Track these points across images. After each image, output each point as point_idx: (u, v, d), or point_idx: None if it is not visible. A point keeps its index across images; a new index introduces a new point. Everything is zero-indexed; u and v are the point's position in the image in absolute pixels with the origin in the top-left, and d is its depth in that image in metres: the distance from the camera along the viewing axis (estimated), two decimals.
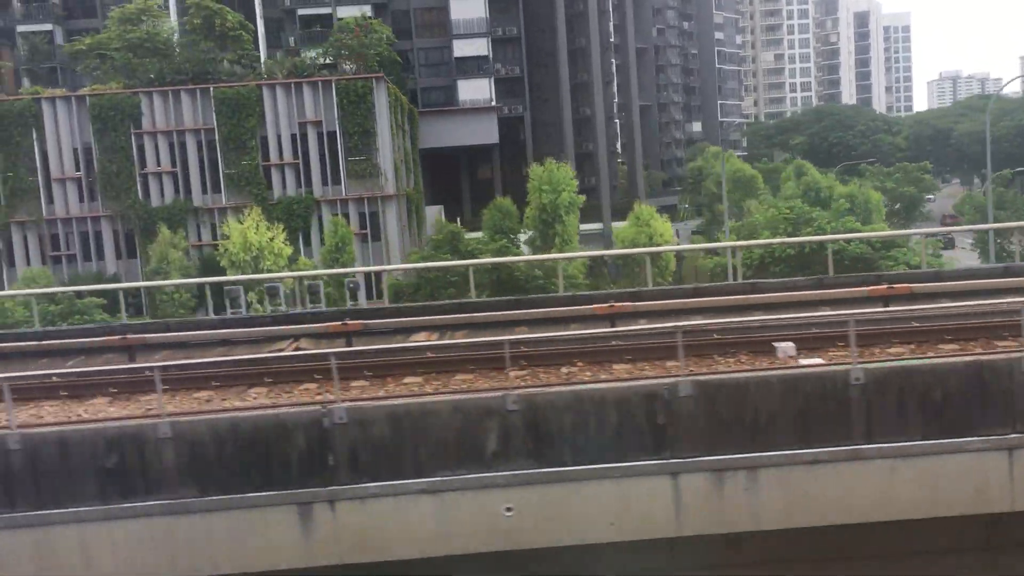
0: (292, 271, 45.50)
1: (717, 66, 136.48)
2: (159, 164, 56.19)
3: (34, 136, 55.46)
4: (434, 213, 70.37)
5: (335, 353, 13.44)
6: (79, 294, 41.34)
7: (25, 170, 55.66)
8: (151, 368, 13.39)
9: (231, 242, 49.64)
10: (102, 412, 13.94)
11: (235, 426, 12.42)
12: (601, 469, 12.39)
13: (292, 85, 56.06)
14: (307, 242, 56.34)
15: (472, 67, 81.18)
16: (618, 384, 13.16)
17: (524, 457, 12.40)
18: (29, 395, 14.67)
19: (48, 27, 77.89)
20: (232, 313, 22.72)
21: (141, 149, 55.98)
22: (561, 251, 47.85)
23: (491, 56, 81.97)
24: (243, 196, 56.28)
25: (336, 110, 56.06)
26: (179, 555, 12.27)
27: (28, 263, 56.09)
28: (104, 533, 12.25)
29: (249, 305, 45.29)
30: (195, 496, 12.21)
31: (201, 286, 39.44)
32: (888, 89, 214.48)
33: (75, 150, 55.90)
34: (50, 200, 56.21)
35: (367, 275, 48.39)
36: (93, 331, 19.36)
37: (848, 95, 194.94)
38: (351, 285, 29.05)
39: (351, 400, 13.03)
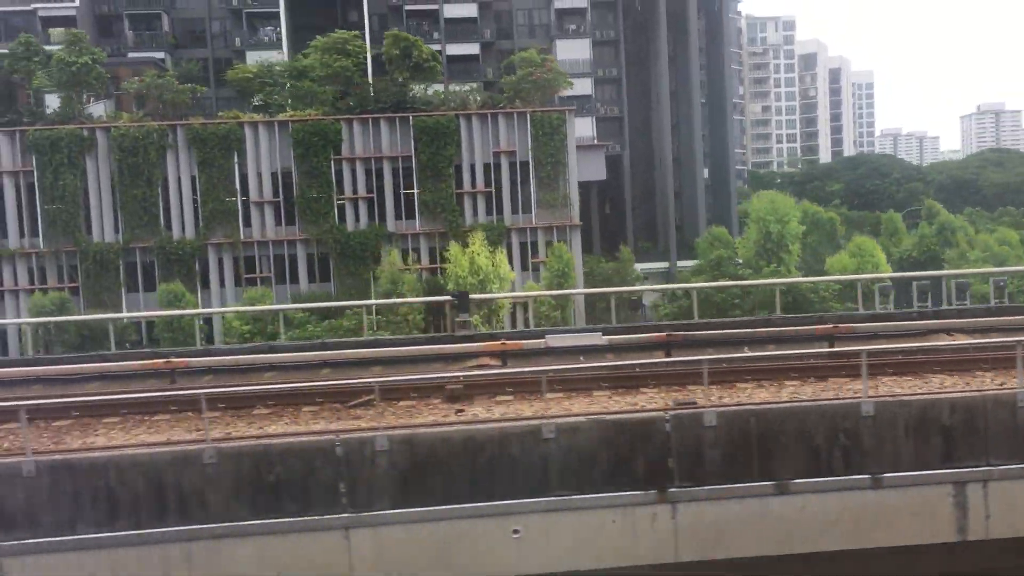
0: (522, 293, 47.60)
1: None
2: (355, 190, 57.55)
3: (235, 159, 56.43)
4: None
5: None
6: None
7: (224, 192, 56.51)
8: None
9: (458, 265, 51.33)
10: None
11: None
12: None
13: (488, 116, 58.15)
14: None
15: (577, 106, 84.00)
16: None
17: None
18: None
19: (160, 55, 78.56)
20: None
21: (339, 175, 57.31)
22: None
23: (593, 95, 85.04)
24: (436, 223, 57.93)
25: (530, 140, 58.26)
26: None
27: (222, 284, 56.88)
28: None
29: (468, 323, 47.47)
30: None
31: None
32: (856, 143, 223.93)
33: (273, 174, 56.98)
34: (247, 223, 57.07)
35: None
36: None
37: (824, 148, 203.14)
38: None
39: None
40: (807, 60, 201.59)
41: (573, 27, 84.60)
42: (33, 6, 77.06)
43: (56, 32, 76.25)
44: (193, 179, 56.47)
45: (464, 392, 17.24)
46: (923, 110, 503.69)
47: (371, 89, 59.03)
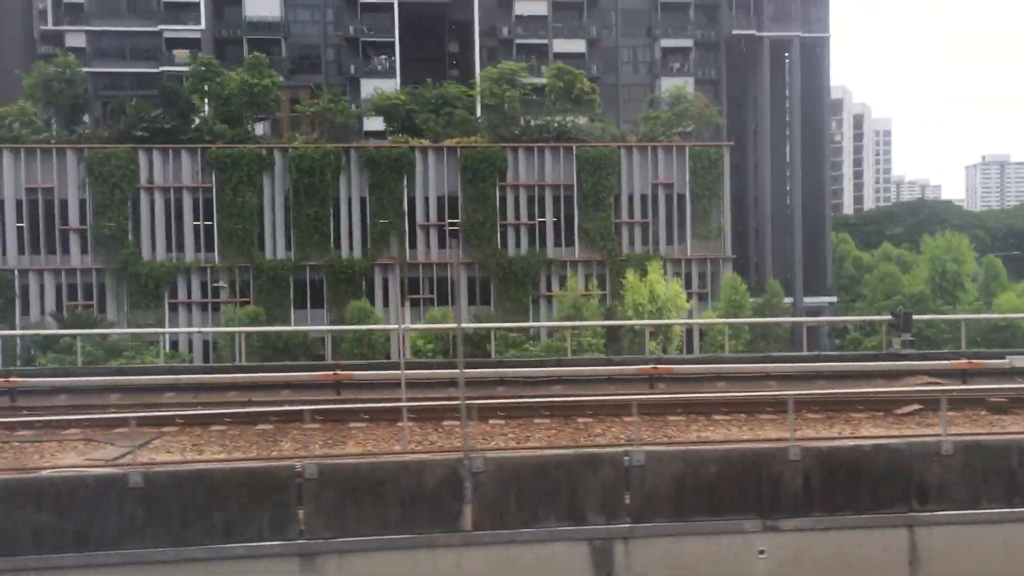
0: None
1: None
2: (517, 216, 59.06)
3: (404, 183, 57.86)
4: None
5: None
6: None
7: (393, 215, 57.84)
8: None
9: (638, 293, 52.80)
10: None
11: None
12: None
13: (648, 148, 59.96)
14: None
15: None
16: None
17: None
18: None
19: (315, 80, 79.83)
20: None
21: (504, 201, 58.82)
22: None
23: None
24: (594, 251, 59.47)
25: (688, 174, 60.06)
26: None
27: (386, 304, 57.97)
28: None
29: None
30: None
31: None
32: (875, 190, 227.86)
33: (439, 198, 58.42)
34: (412, 245, 58.40)
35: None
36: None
37: (847, 192, 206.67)
38: None
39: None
40: (835, 106, 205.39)
41: (677, 65, 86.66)
42: (160, 27, 78.30)
43: (180, 53, 77.77)
44: (363, 200, 57.79)
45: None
46: (925, 159, 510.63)
47: (528, 119, 60.54)
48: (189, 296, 56.63)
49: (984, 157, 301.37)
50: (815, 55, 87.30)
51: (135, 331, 47.06)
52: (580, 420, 18.92)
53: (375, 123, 68.00)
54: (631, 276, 54.25)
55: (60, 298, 55.37)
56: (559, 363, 24.11)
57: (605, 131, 61.05)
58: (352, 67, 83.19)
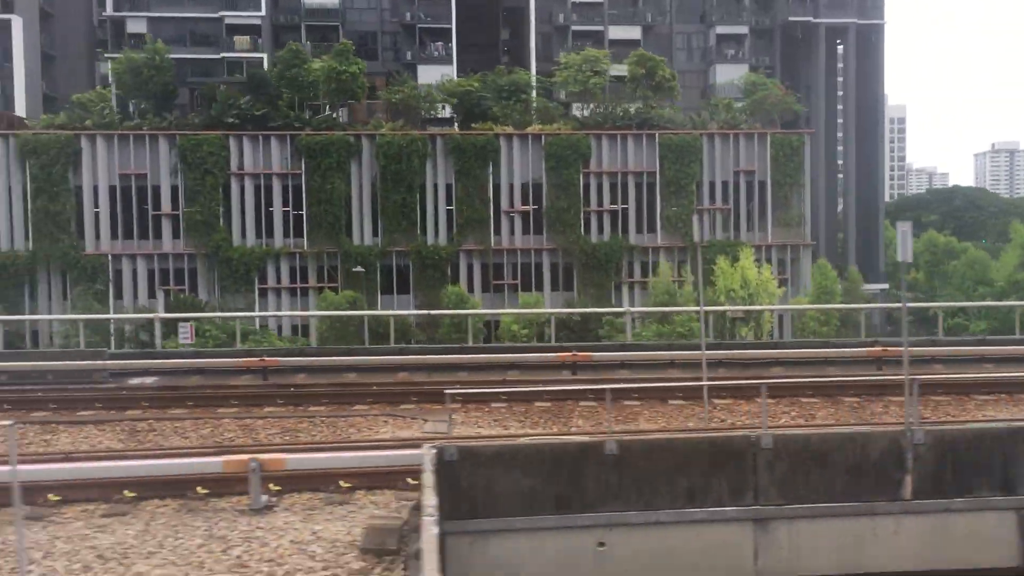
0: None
1: None
2: (600, 203, 59.45)
3: (489, 169, 58.17)
4: None
5: None
6: None
7: (478, 201, 58.18)
8: None
9: (730, 279, 53.22)
10: None
11: None
12: None
13: (730, 136, 60.36)
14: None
15: None
16: None
17: None
18: None
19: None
20: None
21: (587, 188, 59.20)
22: None
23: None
24: (674, 237, 59.90)
25: (769, 161, 60.48)
26: None
27: (471, 290, 58.28)
28: None
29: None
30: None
31: None
32: (891, 178, 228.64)
33: (524, 184, 58.76)
34: (497, 231, 58.75)
35: None
36: None
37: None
38: None
39: None
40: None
41: (731, 52, 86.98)
42: (220, 14, 78.30)
43: (240, 40, 77.90)
44: (449, 187, 58.08)
45: None
46: (933, 147, 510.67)
47: (610, 107, 60.85)
48: (278, 281, 56.91)
49: (994, 145, 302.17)
50: (870, 42, 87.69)
51: (276, 314, 48.07)
52: (845, 400, 19.44)
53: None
54: (722, 262, 54.67)
55: (153, 282, 55.64)
56: (776, 345, 24.65)
57: (690, 119, 61.38)
58: (408, 53, 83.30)
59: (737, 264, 54.12)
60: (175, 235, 55.94)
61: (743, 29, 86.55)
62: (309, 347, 36.06)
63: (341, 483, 12.72)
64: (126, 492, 12.40)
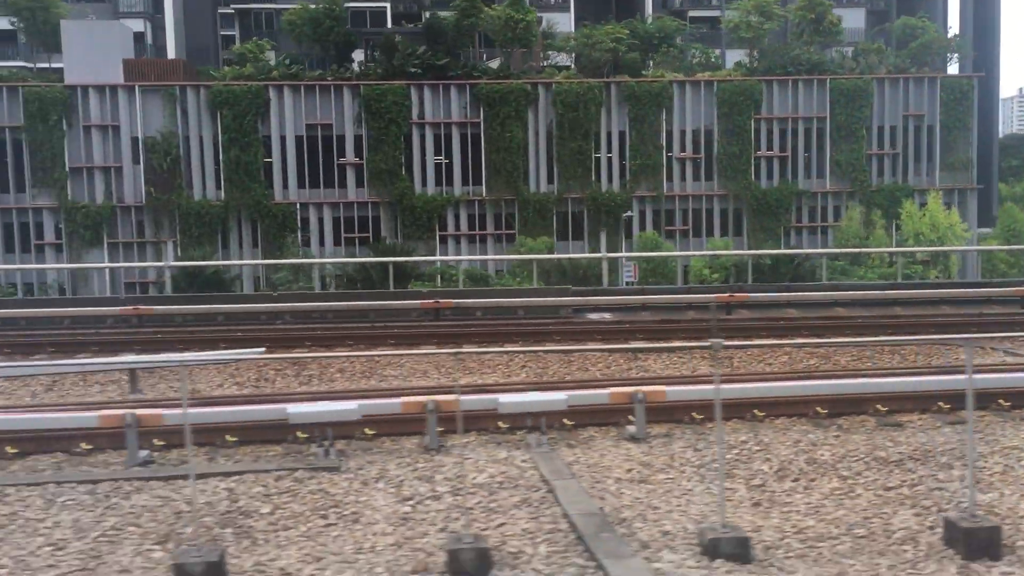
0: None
1: None
2: (770, 148, 59.62)
3: (663, 116, 58.45)
4: None
5: None
6: None
7: (651, 148, 58.54)
8: None
9: (919, 223, 53.45)
10: None
11: None
12: None
13: (899, 80, 60.18)
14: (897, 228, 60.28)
15: None
16: None
17: None
18: None
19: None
20: None
21: (758, 133, 59.37)
22: None
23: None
24: (844, 183, 60.01)
25: (939, 105, 60.30)
26: None
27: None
28: None
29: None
30: None
31: None
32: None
33: (695, 131, 59.01)
34: (669, 177, 59.16)
35: None
36: None
37: None
38: None
39: None
40: None
41: None
42: None
43: None
44: (622, 134, 58.46)
45: None
46: None
47: (787, 52, 60.83)
48: (457, 228, 57.75)
49: (1021, 90, 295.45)
50: None
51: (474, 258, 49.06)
52: None
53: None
54: (908, 205, 54.94)
55: (338, 230, 56.65)
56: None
57: (862, 63, 61.19)
58: (527, 1, 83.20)
59: (924, 207, 54.45)
60: (359, 184, 56.81)
61: None
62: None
63: None
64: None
